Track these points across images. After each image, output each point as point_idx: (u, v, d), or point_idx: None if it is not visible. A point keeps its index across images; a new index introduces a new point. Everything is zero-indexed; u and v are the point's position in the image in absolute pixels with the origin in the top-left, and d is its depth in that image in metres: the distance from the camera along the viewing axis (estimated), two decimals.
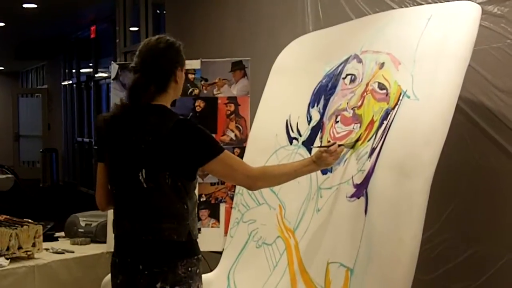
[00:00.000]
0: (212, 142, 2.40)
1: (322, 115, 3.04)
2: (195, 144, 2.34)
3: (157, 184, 2.34)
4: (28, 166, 15.59)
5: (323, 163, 2.61)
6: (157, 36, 2.48)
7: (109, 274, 2.54)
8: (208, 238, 3.61)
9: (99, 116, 2.65)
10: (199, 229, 3.52)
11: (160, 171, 2.33)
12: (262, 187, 2.69)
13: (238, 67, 3.84)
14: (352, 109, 2.80)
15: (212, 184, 3.77)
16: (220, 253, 3.45)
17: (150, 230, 2.36)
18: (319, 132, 3.01)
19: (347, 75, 2.95)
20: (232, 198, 3.59)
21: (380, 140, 2.48)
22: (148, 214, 2.37)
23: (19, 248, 3.50)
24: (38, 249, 3.61)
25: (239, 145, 3.74)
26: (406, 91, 2.45)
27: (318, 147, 2.74)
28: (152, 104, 2.41)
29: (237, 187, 3.43)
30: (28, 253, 3.56)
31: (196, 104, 3.84)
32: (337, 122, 2.88)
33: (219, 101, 3.84)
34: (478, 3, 2.46)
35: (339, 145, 2.65)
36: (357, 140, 2.67)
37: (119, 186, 2.45)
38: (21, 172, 10.97)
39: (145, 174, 2.35)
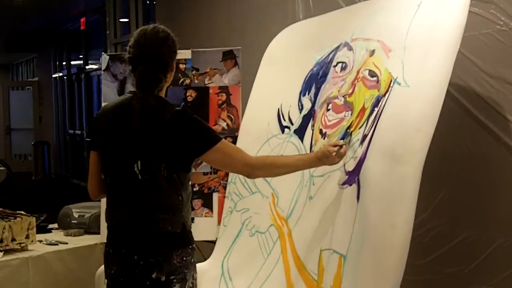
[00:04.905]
0: (209, 132, 2.40)
1: (313, 103, 3.04)
2: (193, 135, 2.33)
3: (153, 176, 2.34)
4: (20, 159, 15.51)
5: (329, 161, 2.56)
6: (152, 26, 2.44)
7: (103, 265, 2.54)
8: (201, 228, 3.62)
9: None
10: (192, 219, 3.53)
11: (156, 163, 2.33)
12: (261, 176, 2.68)
13: (229, 56, 3.85)
14: (343, 96, 2.81)
15: (204, 173, 3.78)
16: (214, 242, 3.47)
17: (144, 222, 2.36)
18: (311, 120, 3.02)
19: (338, 63, 2.96)
20: (225, 188, 3.61)
21: (372, 127, 2.49)
22: (143, 206, 2.37)
23: (13, 240, 3.50)
24: (32, 241, 3.62)
25: (231, 135, 3.74)
26: (396, 78, 2.46)
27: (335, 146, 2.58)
28: (148, 95, 2.39)
29: (230, 176, 3.44)
30: (22, 245, 3.56)
31: (188, 94, 3.85)
32: (328, 110, 2.89)
33: (211, 90, 3.85)
34: None
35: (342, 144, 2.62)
36: (348, 128, 2.68)
37: (113, 176, 2.45)
38: (13, 165, 10.90)
39: (140, 165, 2.34)
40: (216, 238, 3.45)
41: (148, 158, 2.34)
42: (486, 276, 2.71)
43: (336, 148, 2.56)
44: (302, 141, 3.03)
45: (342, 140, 2.64)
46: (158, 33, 2.41)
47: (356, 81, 2.74)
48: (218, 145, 2.36)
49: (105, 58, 3.98)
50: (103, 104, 3.16)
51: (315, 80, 3.09)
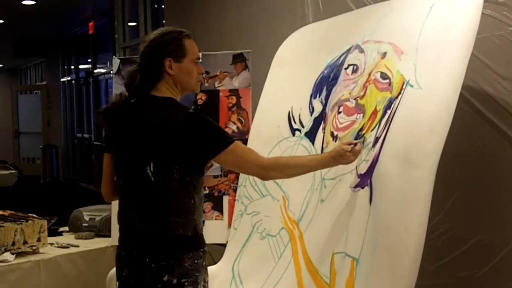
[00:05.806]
0: (222, 133, 2.40)
1: (324, 106, 3.03)
2: (206, 137, 2.33)
3: (165, 178, 2.33)
4: (28, 162, 15.60)
5: (344, 160, 2.53)
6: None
7: (115, 268, 2.54)
8: (211, 231, 3.62)
9: (99, 109, 2.64)
10: (203, 222, 3.53)
11: (168, 165, 2.33)
12: (275, 177, 2.65)
13: (239, 59, 3.85)
14: (354, 99, 2.80)
15: (215, 176, 3.78)
16: (224, 245, 3.46)
17: (156, 224, 2.36)
18: (322, 123, 3.01)
19: (349, 65, 2.95)
20: (235, 191, 3.60)
21: (384, 129, 2.48)
22: (155, 208, 2.36)
23: (25, 243, 3.52)
24: (43, 244, 3.63)
25: (241, 137, 3.74)
26: (409, 80, 2.45)
27: (350, 145, 2.55)
28: (160, 97, 2.40)
29: (240, 179, 3.44)
30: (33, 247, 3.58)
31: (198, 97, 3.85)
32: (339, 112, 2.88)
33: (221, 93, 3.85)
34: None
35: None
36: (359, 130, 2.67)
37: (126, 178, 2.45)
38: (22, 168, 10.94)
39: (153, 168, 2.34)
40: (227, 241, 3.44)
41: (161, 160, 2.34)
42: (500, 279, 2.70)
43: (350, 146, 2.53)
44: (313, 144, 3.02)
45: (356, 140, 2.62)
46: (152, 34, 2.46)
47: (368, 83, 2.73)
48: (231, 147, 2.35)
49: (116, 61, 3.99)
50: None
51: (326, 82, 3.08)
